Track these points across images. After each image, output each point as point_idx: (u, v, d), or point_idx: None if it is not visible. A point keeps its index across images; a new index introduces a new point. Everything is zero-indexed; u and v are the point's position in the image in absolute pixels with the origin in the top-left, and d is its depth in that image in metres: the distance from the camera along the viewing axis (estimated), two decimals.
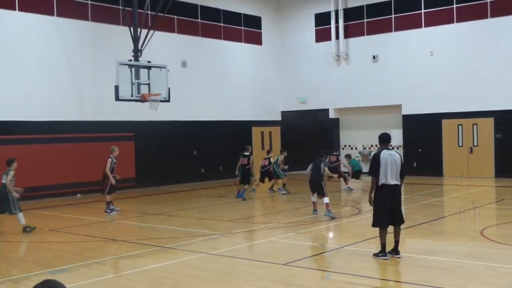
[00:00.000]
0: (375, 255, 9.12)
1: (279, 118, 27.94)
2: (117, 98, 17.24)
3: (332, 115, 26.48)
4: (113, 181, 14.90)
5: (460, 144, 23.01)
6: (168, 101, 18.40)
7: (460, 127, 22.97)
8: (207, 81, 24.24)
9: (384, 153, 9.00)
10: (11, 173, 12.55)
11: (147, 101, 17.70)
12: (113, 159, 15.08)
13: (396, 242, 9.13)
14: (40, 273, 8.68)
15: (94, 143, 19.89)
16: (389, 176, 8.91)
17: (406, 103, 24.06)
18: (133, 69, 17.56)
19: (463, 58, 22.58)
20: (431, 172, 23.24)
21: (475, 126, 22.63)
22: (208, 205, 16.87)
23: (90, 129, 19.93)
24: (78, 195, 19.37)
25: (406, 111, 24.11)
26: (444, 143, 23.33)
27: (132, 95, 17.47)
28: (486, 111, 22.12)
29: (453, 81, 22.79)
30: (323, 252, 10.11)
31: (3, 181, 12.55)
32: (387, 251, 9.10)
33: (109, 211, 15.01)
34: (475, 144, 22.67)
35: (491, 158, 22.27)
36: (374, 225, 9.22)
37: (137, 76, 17.56)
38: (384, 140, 9.23)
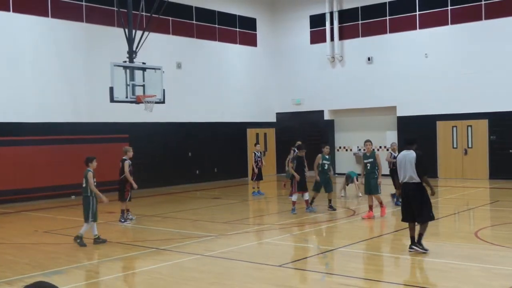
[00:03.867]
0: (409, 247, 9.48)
1: (274, 119, 27.95)
2: (112, 100, 17.18)
3: (327, 116, 26.52)
4: (134, 186, 13.91)
5: (455, 146, 23.07)
6: (163, 102, 18.36)
7: (454, 128, 23.03)
8: (202, 82, 24.22)
9: (401, 154, 9.81)
10: (89, 174, 11.10)
11: (142, 102, 17.66)
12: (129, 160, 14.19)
13: (420, 235, 9.47)
14: (34, 275, 8.65)
15: (88, 144, 19.83)
16: (403, 175, 9.53)
17: (400, 104, 24.10)
18: (127, 71, 17.51)
19: (458, 60, 22.64)
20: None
21: (469, 128, 22.70)
22: (203, 207, 16.84)
23: (84, 130, 19.88)
24: (73, 196, 19.29)
25: (400, 112, 24.16)
26: (438, 144, 23.38)
27: (126, 97, 17.42)
28: (480, 113, 22.19)
29: (447, 82, 22.85)
30: (318, 254, 10.11)
31: (82, 185, 11.21)
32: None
33: (123, 220, 13.77)
34: (470, 145, 22.73)
35: (486, 160, 22.33)
36: (402, 219, 9.80)
37: (132, 78, 17.51)
38: (406, 142, 10.06)
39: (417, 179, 9.40)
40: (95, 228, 11.11)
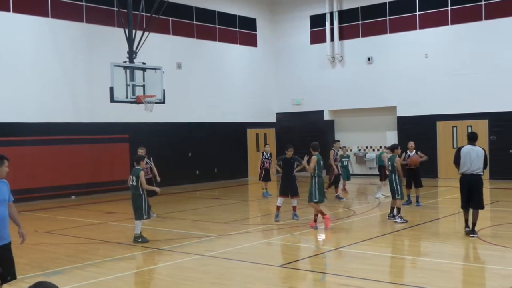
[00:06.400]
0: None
1: (274, 119, 27.95)
2: (112, 100, 17.21)
3: (327, 116, 26.51)
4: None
5: (455, 146, 23.01)
6: (163, 102, 18.38)
7: (454, 128, 23.02)
8: (202, 82, 24.22)
9: (466, 148, 10.72)
10: (142, 173, 11.29)
11: (142, 102, 17.68)
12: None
13: (473, 224, 10.69)
14: (34, 275, 8.65)
15: (88, 144, 19.86)
16: (466, 167, 10.59)
17: (400, 104, 24.10)
18: (128, 71, 17.53)
19: (458, 60, 22.64)
20: (425, 174, 23.23)
21: (469, 128, 22.66)
22: (203, 207, 16.84)
23: (84, 130, 19.88)
24: (73, 197, 19.31)
25: (400, 113, 24.15)
26: (438, 144, 23.38)
27: (127, 97, 17.45)
28: (480, 113, 22.19)
29: (447, 83, 22.86)
30: (318, 254, 10.11)
31: (132, 184, 11.32)
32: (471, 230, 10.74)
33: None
34: None
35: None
36: (461, 206, 10.97)
37: (132, 78, 17.53)
38: (469, 138, 10.99)
39: (481, 172, 10.61)
40: (139, 226, 11.23)
